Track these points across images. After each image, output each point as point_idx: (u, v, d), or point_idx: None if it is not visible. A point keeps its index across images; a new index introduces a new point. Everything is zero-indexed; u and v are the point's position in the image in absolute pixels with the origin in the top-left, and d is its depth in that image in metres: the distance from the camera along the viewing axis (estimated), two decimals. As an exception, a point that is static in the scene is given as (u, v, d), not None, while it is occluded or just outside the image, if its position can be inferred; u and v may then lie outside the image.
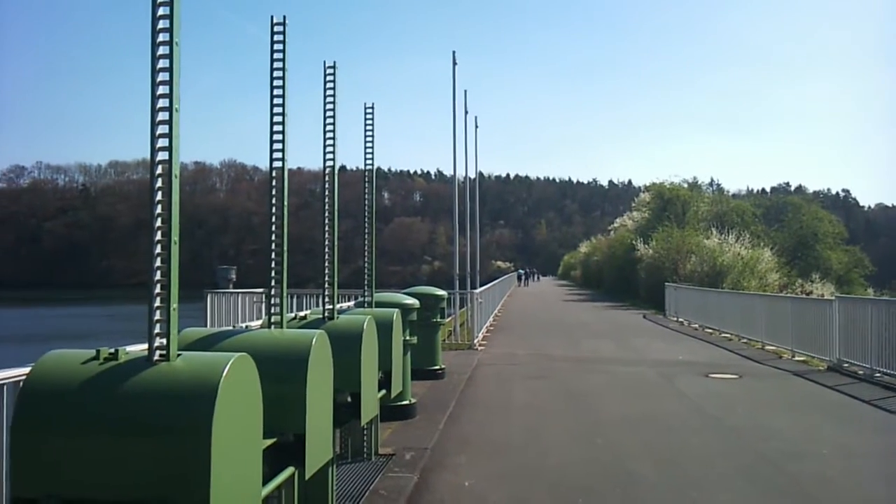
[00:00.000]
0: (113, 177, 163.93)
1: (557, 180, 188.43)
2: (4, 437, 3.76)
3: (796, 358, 14.80)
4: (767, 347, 16.57)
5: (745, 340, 18.17)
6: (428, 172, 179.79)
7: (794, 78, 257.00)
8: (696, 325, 22.72)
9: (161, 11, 3.14)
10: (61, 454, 2.98)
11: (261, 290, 15.37)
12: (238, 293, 15.38)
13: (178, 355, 3.17)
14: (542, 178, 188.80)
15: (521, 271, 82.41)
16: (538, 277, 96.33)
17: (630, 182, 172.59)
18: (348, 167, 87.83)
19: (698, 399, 10.53)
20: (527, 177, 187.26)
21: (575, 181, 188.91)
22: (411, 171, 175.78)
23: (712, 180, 71.62)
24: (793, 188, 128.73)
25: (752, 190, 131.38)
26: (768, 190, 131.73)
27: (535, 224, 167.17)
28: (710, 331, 21.08)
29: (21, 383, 3.79)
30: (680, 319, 25.15)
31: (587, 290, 60.33)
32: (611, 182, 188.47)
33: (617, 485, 6.33)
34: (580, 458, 7.28)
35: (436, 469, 6.69)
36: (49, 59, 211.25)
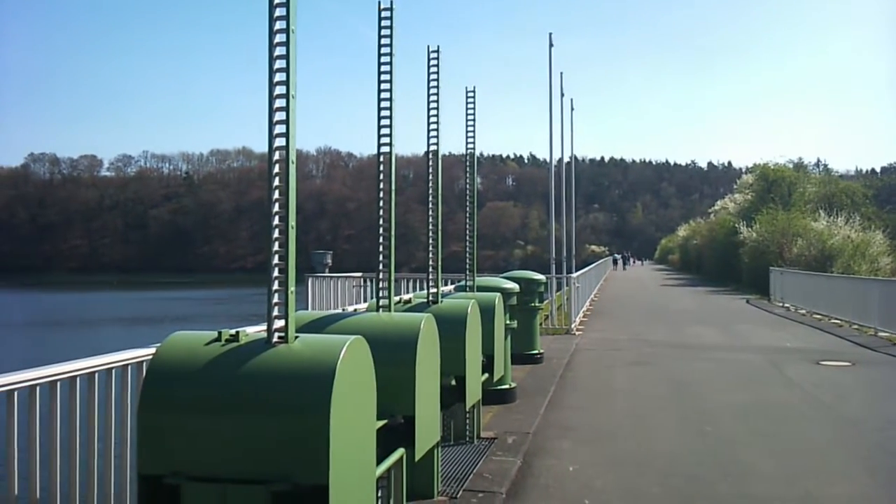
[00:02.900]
0: (214, 164, 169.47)
1: (654, 162, 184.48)
2: (129, 416, 3.93)
3: (914, 346, 14.08)
4: (881, 334, 15.80)
5: (856, 327, 17.39)
6: (521, 156, 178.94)
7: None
8: (804, 311, 21.89)
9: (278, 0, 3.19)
10: (185, 433, 3.09)
11: (358, 274, 15.64)
12: (337, 277, 15.64)
13: (296, 337, 3.24)
14: (637, 160, 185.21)
15: (618, 255, 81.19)
16: (634, 261, 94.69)
17: (730, 164, 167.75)
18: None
19: (809, 387, 10.15)
20: (622, 159, 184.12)
21: (672, 163, 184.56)
22: (504, 156, 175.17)
23: (818, 161, 68.62)
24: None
25: (861, 170, 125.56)
26: (878, 170, 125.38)
27: (631, 207, 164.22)
28: (818, 317, 20.26)
29: (145, 364, 3.97)
30: (786, 305, 24.28)
31: (686, 274, 58.96)
32: (710, 164, 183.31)
33: (727, 473, 6.16)
34: (688, 445, 7.13)
35: (539, 454, 6.67)
36: (153, 52, 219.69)
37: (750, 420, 8.20)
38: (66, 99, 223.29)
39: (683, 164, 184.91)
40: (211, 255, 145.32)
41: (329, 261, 22.89)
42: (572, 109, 27.76)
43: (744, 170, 73.44)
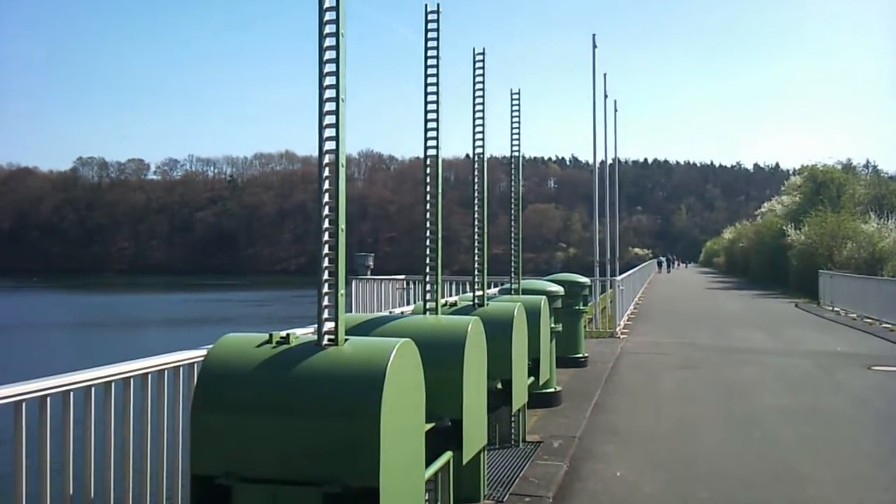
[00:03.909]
0: (258, 168, 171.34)
1: (698, 164, 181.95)
2: (180, 416, 3.98)
3: (971, 351, 13.68)
4: (936, 339, 15.41)
5: (910, 331, 16.97)
6: (562, 158, 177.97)
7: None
8: (854, 315, 21.41)
9: (328, 3, 3.20)
10: (238, 434, 3.11)
11: (402, 276, 15.67)
12: (380, 279, 15.68)
13: (345, 340, 3.25)
14: (682, 161, 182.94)
15: (662, 258, 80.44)
16: (678, 264, 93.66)
17: (777, 165, 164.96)
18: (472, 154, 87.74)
19: (861, 392, 9.93)
20: (665, 161, 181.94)
21: (717, 165, 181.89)
22: (545, 158, 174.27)
23: (868, 161, 67.21)
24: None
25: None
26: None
27: (675, 209, 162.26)
28: (869, 321, 19.80)
29: (196, 366, 4.02)
30: (836, 308, 23.77)
31: (732, 277, 58.11)
32: (756, 165, 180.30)
33: (778, 479, 6.04)
34: (737, 450, 7.01)
35: (585, 458, 6.61)
36: (199, 58, 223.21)
37: (800, 425, 8.04)
38: (114, 104, 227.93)
39: (729, 165, 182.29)
40: (254, 257, 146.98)
41: (371, 263, 22.96)
42: (616, 110, 27.51)
43: (791, 171, 72.19)
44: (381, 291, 15.04)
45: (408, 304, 12.29)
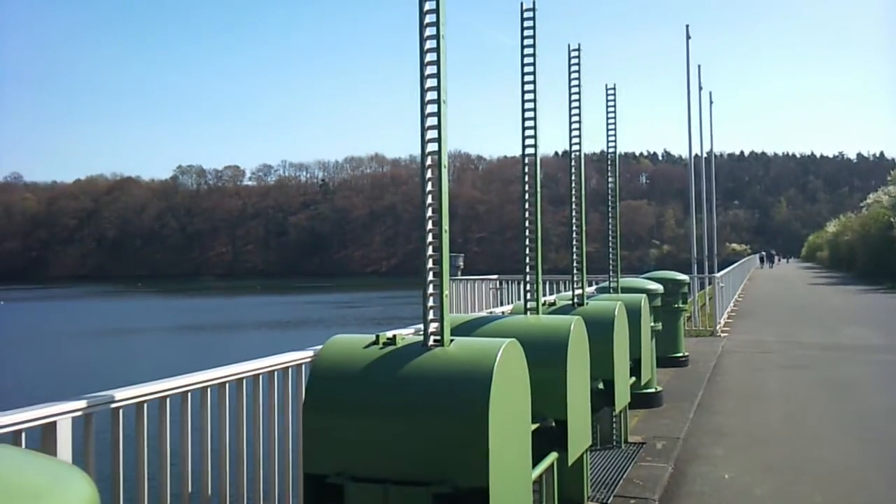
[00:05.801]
0: (349, 171, 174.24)
1: (798, 155, 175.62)
2: (289, 416, 4.06)
3: None
4: None
5: None
6: (654, 153, 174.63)
7: None
8: (973, 310, 20.28)
9: (428, 6, 3.22)
10: (348, 434, 3.16)
11: (494, 276, 15.63)
12: (473, 280, 15.68)
13: (451, 340, 3.26)
14: (780, 153, 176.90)
15: (764, 253, 78.20)
16: (780, 259, 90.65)
17: (882, 154, 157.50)
18: (560, 152, 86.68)
19: None
20: (763, 153, 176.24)
21: (818, 155, 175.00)
22: (636, 153, 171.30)
23: (984, 147, 63.55)
24: None
25: None
26: None
27: (774, 203, 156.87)
28: None
29: (304, 366, 4.10)
30: (951, 304, 22.58)
31: (836, 272, 55.82)
32: (859, 155, 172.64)
33: (894, 484, 5.76)
34: (849, 452, 6.72)
35: (691, 460, 6.45)
36: (290, 66, 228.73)
37: (920, 427, 7.66)
38: (211, 113, 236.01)
39: (830, 155, 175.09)
40: (346, 259, 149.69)
41: (461, 263, 23.01)
42: (711, 102, 26.76)
43: (898, 160, 69.00)
44: (473, 292, 15.03)
45: (500, 304, 12.25)
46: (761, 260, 70.99)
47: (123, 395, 3.12)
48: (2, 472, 1.26)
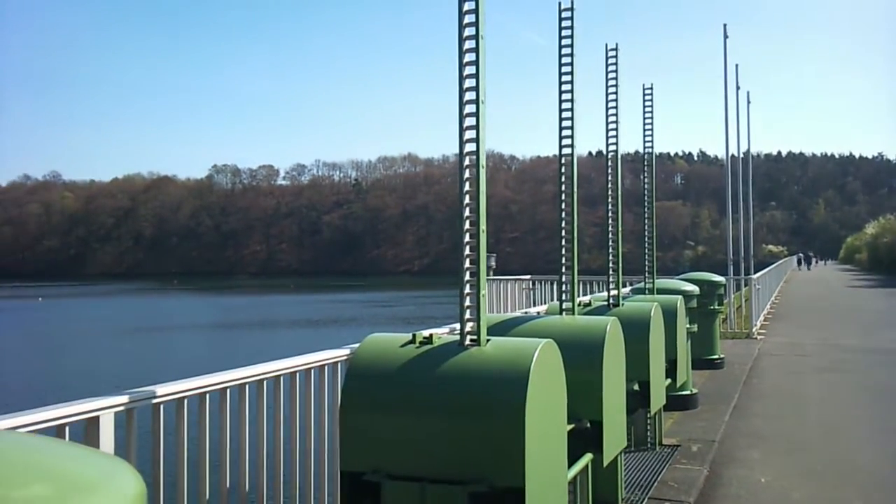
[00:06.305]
0: (381, 171, 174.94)
1: (837, 156, 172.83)
2: (325, 413, 4.09)
3: None
4: None
5: None
6: (689, 154, 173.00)
7: None
8: None
9: (467, 6, 3.22)
10: (384, 432, 3.18)
11: (527, 276, 15.58)
12: (506, 280, 15.65)
13: (487, 340, 3.26)
14: (818, 153, 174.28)
15: (801, 254, 77.24)
16: (817, 261, 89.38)
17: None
18: (594, 152, 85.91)
19: None
20: (801, 153, 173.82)
21: (857, 156, 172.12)
22: (671, 154, 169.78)
23: None
24: None
25: None
26: None
27: (812, 204, 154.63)
28: None
29: (340, 364, 4.13)
30: None
31: (875, 275, 54.81)
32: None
33: (941, 492, 5.66)
34: (890, 458, 6.61)
35: (727, 463, 6.38)
36: (325, 66, 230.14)
37: (963, 434, 7.50)
38: (246, 112, 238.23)
39: (870, 156, 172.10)
40: (379, 258, 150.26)
41: (493, 263, 23.00)
42: (748, 102, 26.44)
43: (940, 160, 67.64)
44: (506, 292, 15.00)
45: (533, 304, 12.22)
46: (799, 262, 70.12)
47: (164, 390, 3.17)
48: (56, 466, 1.29)
